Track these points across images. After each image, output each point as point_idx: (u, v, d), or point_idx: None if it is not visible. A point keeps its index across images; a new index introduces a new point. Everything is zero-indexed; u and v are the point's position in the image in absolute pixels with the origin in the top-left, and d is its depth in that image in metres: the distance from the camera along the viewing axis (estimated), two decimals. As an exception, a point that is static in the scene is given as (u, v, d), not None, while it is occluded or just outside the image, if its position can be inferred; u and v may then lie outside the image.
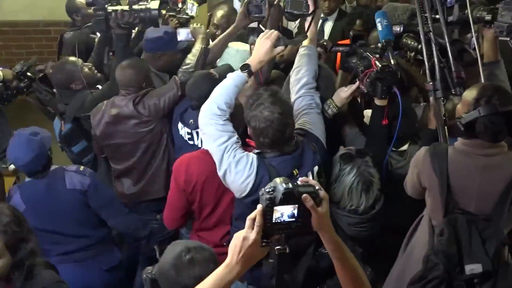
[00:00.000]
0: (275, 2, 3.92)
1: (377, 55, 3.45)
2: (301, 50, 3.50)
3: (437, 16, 3.43)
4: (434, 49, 3.33)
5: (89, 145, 4.51)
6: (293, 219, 1.96)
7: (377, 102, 3.50)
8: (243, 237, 1.93)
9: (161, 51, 4.46)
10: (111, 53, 4.70)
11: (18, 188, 3.76)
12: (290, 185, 1.93)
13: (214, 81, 3.72)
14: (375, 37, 4.11)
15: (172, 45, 4.42)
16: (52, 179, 3.69)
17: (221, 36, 4.35)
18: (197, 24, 4.51)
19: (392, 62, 3.37)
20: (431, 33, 3.36)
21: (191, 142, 3.97)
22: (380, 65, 3.33)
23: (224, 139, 3.07)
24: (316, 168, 3.19)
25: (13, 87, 4.89)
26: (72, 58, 4.57)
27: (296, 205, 1.94)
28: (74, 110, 4.40)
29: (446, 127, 3.32)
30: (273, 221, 1.95)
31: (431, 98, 3.38)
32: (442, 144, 3.17)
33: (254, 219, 1.94)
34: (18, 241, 2.57)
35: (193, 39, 4.40)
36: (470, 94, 2.97)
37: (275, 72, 4.03)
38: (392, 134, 3.49)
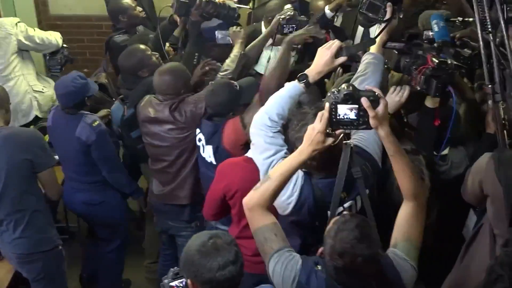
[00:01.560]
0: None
1: (434, 53, 3.35)
2: (368, 58, 3.24)
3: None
4: (493, 50, 3.20)
5: None
6: (355, 118, 2.45)
7: (428, 103, 3.41)
8: (312, 127, 2.52)
9: (212, 41, 4.65)
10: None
11: (54, 108, 4.44)
12: (351, 89, 2.43)
13: (233, 91, 3.79)
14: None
15: (211, 35, 4.70)
16: (72, 119, 4.22)
17: (255, 42, 4.39)
18: (237, 28, 4.55)
19: (449, 62, 3.28)
20: (490, 33, 3.24)
21: (200, 151, 3.95)
22: (437, 61, 3.21)
23: (271, 152, 2.90)
24: (367, 191, 2.94)
25: (65, 55, 5.43)
26: (142, 46, 4.61)
27: (356, 106, 2.42)
28: (138, 96, 4.40)
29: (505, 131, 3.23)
30: (338, 117, 2.46)
31: (490, 102, 3.27)
32: (506, 151, 3.05)
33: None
34: None
35: (231, 43, 4.52)
36: None
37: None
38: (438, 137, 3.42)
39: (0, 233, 3.84)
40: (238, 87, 3.81)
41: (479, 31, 3.27)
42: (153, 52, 4.58)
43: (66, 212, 5.35)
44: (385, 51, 3.42)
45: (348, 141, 2.64)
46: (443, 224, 3.41)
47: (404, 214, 2.59)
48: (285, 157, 2.87)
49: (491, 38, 3.22)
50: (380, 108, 2.43)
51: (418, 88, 3.31)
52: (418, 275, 3.17)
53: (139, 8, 5.42)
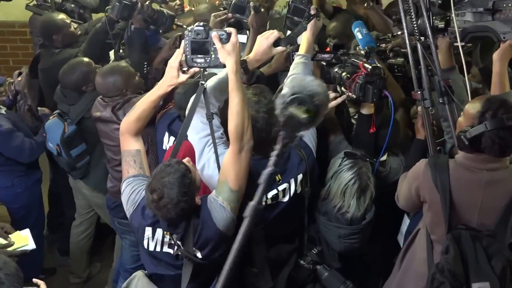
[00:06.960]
0: None
1: (364, 60, 3.40)
2: (297, 59, 3.41)
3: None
4: (421, 56, 3.23)
5: (86, 148, 4.43)
6: (207, 55, 2.66)
7: (364, 110, 3.44)
8: (169, 64, 2.76)
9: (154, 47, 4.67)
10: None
11: None
12: (202, 25, 2.64)
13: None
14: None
15: (154, 40, 4.71)
16: None
17: None
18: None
19: (381, 66, 3.33)
20: (417, 40, 3.26)
21: None
22: (370, 67, 3.26)
23: (207, 132, 2.95)
24: (300, 176, 3.12)
25: None
26: (85, 59, 4.44)
27: (207, 39, 2.63)
28: (82, 111, 4.31)
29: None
30: (192, 54, 2.66)
31: (419, 108, 3.31)
32: (441, 156, 3.07)
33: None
34: None
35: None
36: (473, 107, 2.85)
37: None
38: (377, 143, 3.45)
39: None
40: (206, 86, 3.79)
41: (406, 38, 3.31)
42: (96, 65, 4.44)
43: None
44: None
45: (203, 82, 2.82)
46: (379, 229, 3.44)
47: (226, 156, 2.80)
48: (221, 137, 3.00)
49: (419, 45, 3.25)
50: (229, 44, 2.66)
51: (354, 97, 3.34)
52: (352, 279, 3.20)
53: (74, 25, 5.06)
